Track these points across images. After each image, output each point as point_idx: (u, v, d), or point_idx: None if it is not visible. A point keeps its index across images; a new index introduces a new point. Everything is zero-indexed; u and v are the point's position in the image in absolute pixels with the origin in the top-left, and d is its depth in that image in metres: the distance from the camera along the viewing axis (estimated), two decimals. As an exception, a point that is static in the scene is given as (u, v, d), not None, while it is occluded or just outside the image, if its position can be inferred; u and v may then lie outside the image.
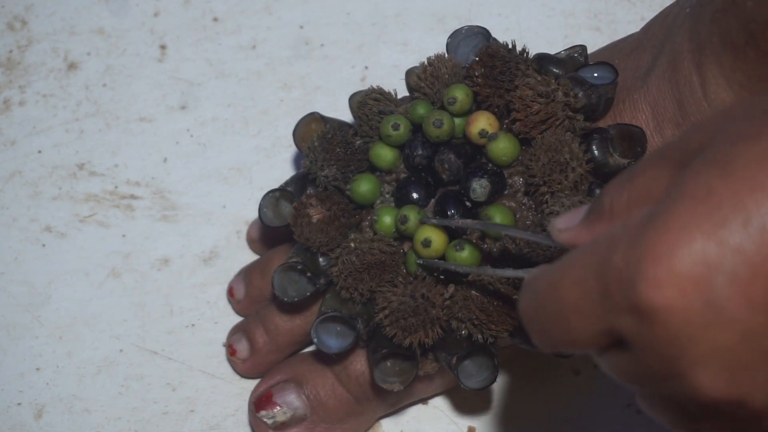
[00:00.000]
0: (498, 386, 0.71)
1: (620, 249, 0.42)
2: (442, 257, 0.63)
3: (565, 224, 0.48)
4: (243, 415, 0.71)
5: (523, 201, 0.63)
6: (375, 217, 0.64)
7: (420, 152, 0.64)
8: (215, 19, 0.80)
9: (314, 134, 0.66)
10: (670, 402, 0.44)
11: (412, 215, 0.62)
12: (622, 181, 0.46)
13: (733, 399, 0.42)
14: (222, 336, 0.73)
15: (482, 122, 0.63)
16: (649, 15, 0.77)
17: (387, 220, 0.63)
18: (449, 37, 0.67)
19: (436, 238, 0.62)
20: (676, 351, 0.41)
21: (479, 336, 0.63)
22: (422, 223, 0.62)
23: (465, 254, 0.61)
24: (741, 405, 0.42)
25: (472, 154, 0.64)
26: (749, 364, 0.41)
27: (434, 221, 0.62)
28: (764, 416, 0.42)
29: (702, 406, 0.42)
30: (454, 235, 0.63)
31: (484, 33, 0.67)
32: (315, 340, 0.64)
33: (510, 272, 0.56)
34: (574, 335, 0.44)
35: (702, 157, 0.42)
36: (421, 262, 0.62)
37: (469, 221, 0.61)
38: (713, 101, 0.61)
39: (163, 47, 0.79)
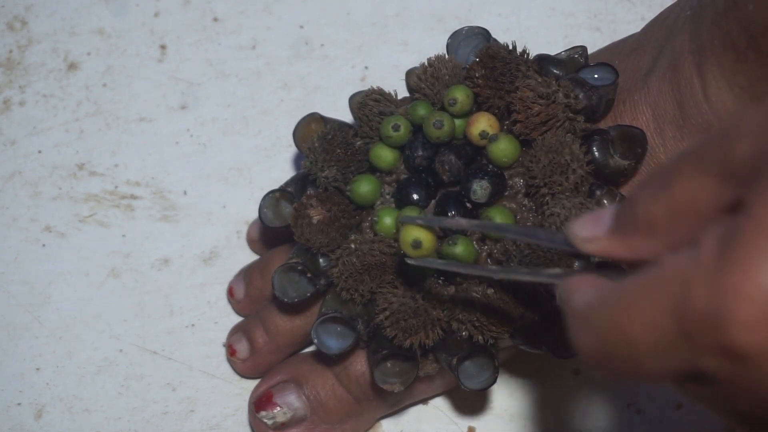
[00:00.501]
0: (498, 386, 0.72)
1: (699, 288, 0.40)
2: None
3: (589, 232, 0.46)
4: (243, 415, 0.72)
5: (524, 202, 0.63)
6: (375, 218, 0.64)
7: (420, 153, 0.64)
8: (215, 19, 0.79)
9: (314, 135, 0.66)
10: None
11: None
12: (653, 188, 0.43)
13: None
14: (222, 336, 0.73)
15: (483, 123, 0.63)
16: (649, 15, 0.77)
17: (387, 221, 0.63)
18: (449, 38, 0.67)
19: (425, 237, 0.58)
20: None
21: (480, 337, 0.63)
22: (403, 222, 0.59)
23: (459, 249, 0.61)
24: None
25: (473, 156, 0.64)
26: None
27: (420, 221, 0.58)
28: None
29: None
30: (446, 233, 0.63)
31: (484, 33, 0.67)
32: (315, 340, 0.64)
33: (543, 277, 0.53)
34: (649, 373, 0.42)
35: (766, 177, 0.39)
36: (413, 262, 0.59)
37: (464, 221, 0.58)
38: (714, 103, 0.61)
39: (163, 47, 0.79)
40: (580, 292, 0.45)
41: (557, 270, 0.53)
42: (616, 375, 0.44)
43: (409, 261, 0.59)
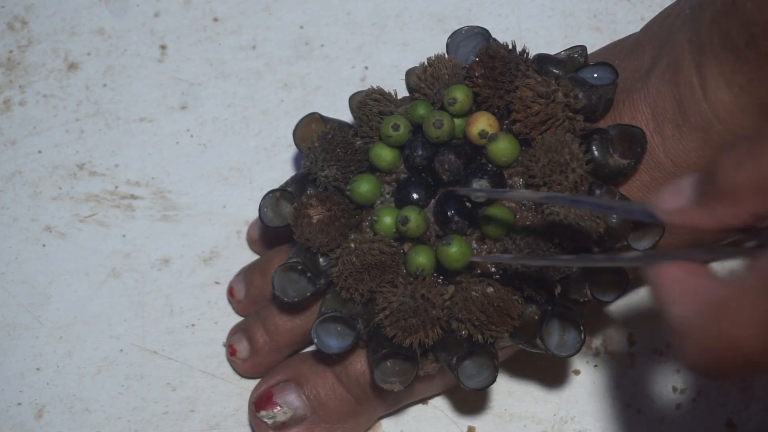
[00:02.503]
0: (498, 386, 0.72)
1: None
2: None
3: (672, 203, 0.46)
4: (243, 415, 0.72)
5: (523, 201, 0.63)
6: (375, 218, 0.64)
7: (420, 153, 0.64)
8: (215, 19, 0.80)
9: (314, 134, 0.66)
10: None
11: (412, 216, 0.62)
12: (738, 155, 0.42)
13: None
14: (222, 336, 0.73)
15: (482, 123, 0.63)
16: (649, 15, 0.77)
17: (387, 220, 0.63)
18: (449, 38, 0.67)
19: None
20: None
21: (479, 336, 0.63)
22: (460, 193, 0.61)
23: (453, 249, 0.61)
24: None
25: (472, 155, 0.64)
26: None
27: (482, 193, 0.59)
28: None
29: None
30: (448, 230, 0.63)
31: (484, 33, 0.67)
32: (315, 340, 0.64)
33: (626, 261, 0.51)
34: (763, 367, 0.42)
35: None
36: (479, 259, 0.61)
37: (527, 192, 0.58)
38: (713, 102, 0.61)
39: (163, 47, 0.79)
40: (678, 300, 0.44)
41: (636, 253, 0.52)
42: (728, 378, 0.44)
43: (475, 259, 0.61)
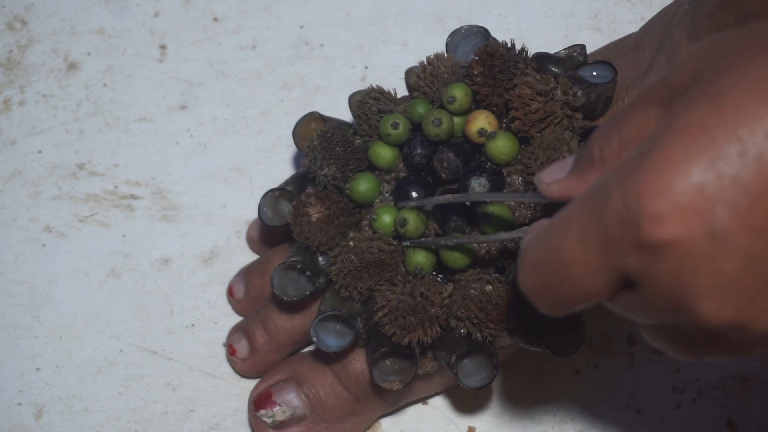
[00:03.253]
0: (498, 386, 0.71)
1: (616, 191, 0.42)
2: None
3: (552, 176, 0.49)
4: (243, 415, 0.71)
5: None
6: (374, 216, 0.64)
7: (419, 151, 0.64)
8: (215, 19, 0.80)
9: (314, 133, 0.66)
10: (675, 332, 0.45)
11: (410, 217, 0.62)
12: (609, 127, 0.46)
13: (737, 325, 0.43)
14: (222, 336, 0.73)
15: (481, 121, 0.63)
16: (649, 15, 0.77)
17: (386, 218, 0.63)
18: (449, 37, 0.67)
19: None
20: (682, 282, 0.42)
21: (478, 335, 0.62)
22: (399, 207, 0.63)
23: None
24: (744, 330, 0.43)
25: (471, 153, 0.64)
26: (752, 291, 0.42)
27: (412, 203, 0.62)
28: (765, 340, 0.43)
29: (706, 333, 0.44)
30: (442, 224, 0.63)
31: (483, 32, 0.67)
32: (314, 339, 0.64)
33: (504, 235, 0.56)
34: (584, 290, 0.45)
35: (692, 91, 0.42)
36: (408, 243, 0.63)
37: (449, 196, 0.60)
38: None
39: (163, 47, 0.79)
40: (528, 234, 0.48)
41: (522, 228, 0.56)
42: (557, 302, 0.46)
43: (405, 244, 0.63)
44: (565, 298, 0.46)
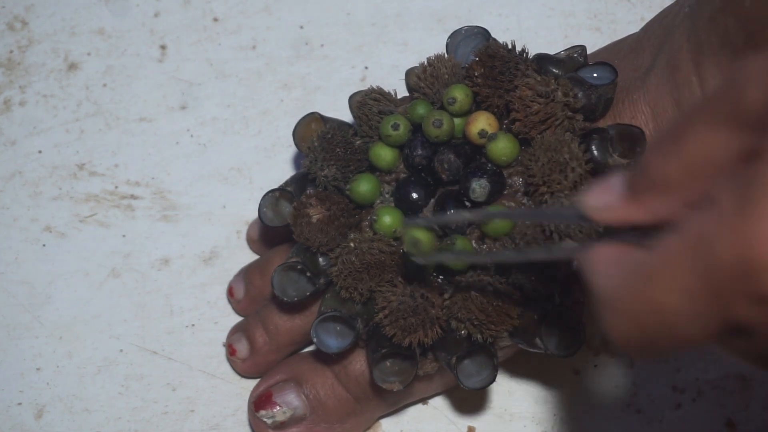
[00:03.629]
0: (498, 386, 0.71)
1: (723, 241, 0.39)
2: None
3: (601, 200, 0.46)
4: (243, 415, 0.71)
5: (523, 201, 0.63)
6: (375, 217, 0.64)
7: (419, 152, 0.64)
8: (215, 19, 0.80)
9: (314, 134, 0.66)
10: None
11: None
12: (664, 147, 0.43)
13: None
14: (222, 336, 0.73)
15: (482, 122, 0.63)
16: (649, 15, 0.77)
17: (387, 219, 0.63)
18: (449, 38, 0.67)
19: (424, 237, 0.59)
20: None
21: (479, 336, 0.62)
22: (407, 225, 0.60)
23: (458, 247, 0.61)
24: None
25: (472, 154, 0.64)
26: None
27: (421, 221, 0.60)
28: None
29: None
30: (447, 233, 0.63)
31: (483, 33, 0.67)
32: (315, 339, 0.64)
33: (541, 254, 0.53)
34: (688, 340, 0.42)
35: None
36: (422, 261, 0.59)
37: (467, 213, 0.58)
38: (712, 101, 0.60)
39: (163, 47, 0.79)
40: (603, 273, 0.45)
41: (572, 243, 0.53)
42: (653, 352, 0.44)
43: (417, 261, 0.59)
44: (665, 347, 0.43)
